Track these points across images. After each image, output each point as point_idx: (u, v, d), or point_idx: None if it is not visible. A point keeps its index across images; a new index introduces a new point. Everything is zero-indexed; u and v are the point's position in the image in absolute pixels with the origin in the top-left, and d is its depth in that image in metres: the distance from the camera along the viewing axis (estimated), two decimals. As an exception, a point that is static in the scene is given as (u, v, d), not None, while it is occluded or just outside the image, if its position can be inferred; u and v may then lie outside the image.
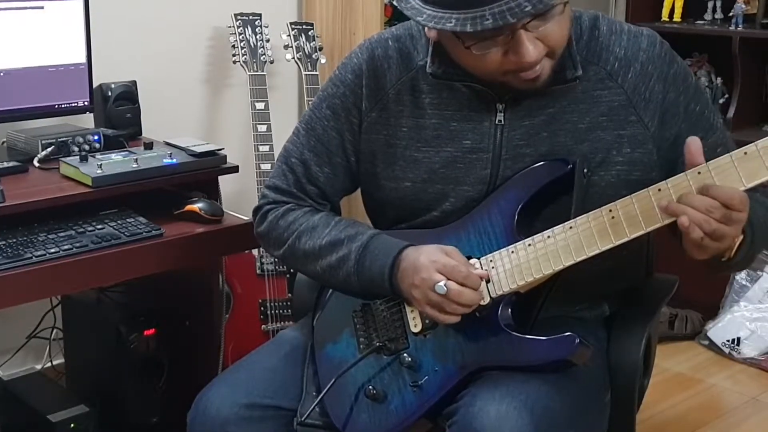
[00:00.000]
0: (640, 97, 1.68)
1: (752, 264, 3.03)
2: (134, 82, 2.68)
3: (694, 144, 1.52)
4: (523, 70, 1.59)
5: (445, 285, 1.59)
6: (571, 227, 1.59)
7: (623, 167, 1.68)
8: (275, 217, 1.84)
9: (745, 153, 1.47)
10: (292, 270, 2.86)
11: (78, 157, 2.28)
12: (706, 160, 1.57)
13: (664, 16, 3.81)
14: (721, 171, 1.49)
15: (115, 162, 2.27)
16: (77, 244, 2.09)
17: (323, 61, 3.09)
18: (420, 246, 1.68)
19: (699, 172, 1.50)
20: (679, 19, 3.79)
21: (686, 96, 1.70)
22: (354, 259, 1.72)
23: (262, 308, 2.94)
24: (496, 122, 1.71)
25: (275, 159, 1.94)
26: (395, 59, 1.77)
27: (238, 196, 2.89)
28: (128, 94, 2.65)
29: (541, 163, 1.69)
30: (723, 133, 1.74)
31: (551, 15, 1.55)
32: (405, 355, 1.70)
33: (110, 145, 2.45)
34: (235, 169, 2.44)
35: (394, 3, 1.63)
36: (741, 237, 1.57)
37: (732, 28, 3.58)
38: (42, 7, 2.43)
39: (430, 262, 1.63)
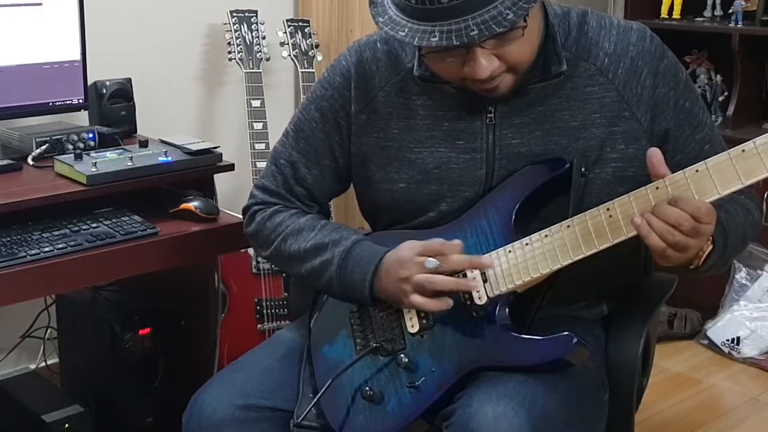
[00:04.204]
0: (632, 93, 1.68)
1: (752, 264, 3.02)
2: (129, 80, 2.67)
3: (656, 156, 1.52)
4: (480, 82, 1.59)
5: (433, 260, 1.60)
6: (568, 226, 1.59)
7: (618, 164, 1.67)
8: (263, 219, 1.85)
9: (743, 150, 1.47)
10: (284, 269, 2.86)
11: (72, 155, 2.27)
12: (693, 157, 1.62)
13: (663, 13, 3.80)
14: (719, 169, 1.49)
15: (109, 160, 2.26)
16: (72, 243, 2.08)
17: (320, 58, 3.09)
18: (398, 246, 1.69)
19: (697, 170, 1.50)
20: (679, 16, 3.79)
21: (676, 91, 1.70)
22: (336, 264, 1.72)
23: (258, 307, 2.93)
24: (488, 121, 1.70)
25: (271, 157, 1.93)
26: (384, 61, 1.77)
27: (234, 195, 2.88)
28: (123, 92, 2.63)
29: (538, 162, 1.68)
30: (711, 130, 1.74)
31: (508, 38, 1.55)
32: (402, 355, 1.69)
33: (105, 143, 2.44)
34: (230, 167, 2.43)
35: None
36: (710, 247, 1.58)
37: (732, 25, 3.57)
38: (40, 4, 2.42)
39: (410, 249, 1.65)
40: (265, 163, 2.80)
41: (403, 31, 1.55)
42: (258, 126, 2.93)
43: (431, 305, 1.63)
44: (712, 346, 3.40)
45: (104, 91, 2.60)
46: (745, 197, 1.73)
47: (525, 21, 1.54)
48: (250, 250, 2.88)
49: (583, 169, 1.65)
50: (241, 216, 1.96)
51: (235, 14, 3.00)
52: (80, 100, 2.54)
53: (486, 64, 1.56)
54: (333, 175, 1.85)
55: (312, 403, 1.72)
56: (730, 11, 3.61)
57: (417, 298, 1.63)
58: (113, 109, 2.61)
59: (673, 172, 1.53)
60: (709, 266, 1.60)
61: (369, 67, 1.78)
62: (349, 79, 1.79)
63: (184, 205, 2.28)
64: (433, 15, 1.51)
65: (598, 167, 1.67)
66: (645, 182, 1.56)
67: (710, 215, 1.49)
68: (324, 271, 1.74)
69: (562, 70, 1.65)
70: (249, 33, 3.00)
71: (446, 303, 1.62)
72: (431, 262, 1.60)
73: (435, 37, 1.51)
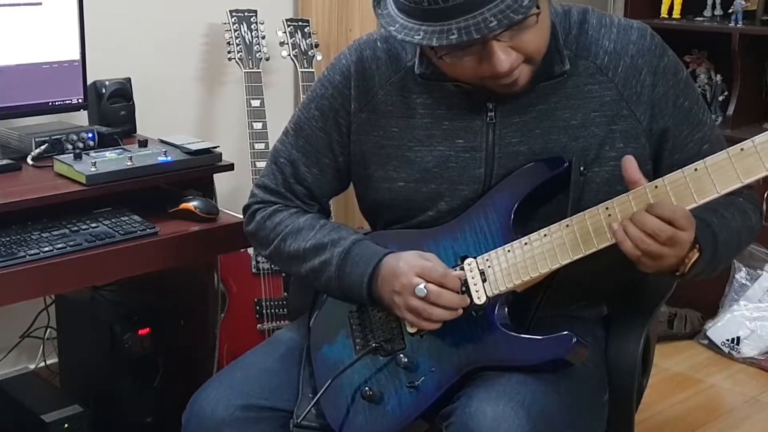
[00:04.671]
0: (632, 92, 1.67)
1: (752, 264, 3.00)
2: (128, 80, 2.66)
3: (628, 161, 1.53)
4: (499, 77, 1.58)
5: (425, 287, 1.59)
6: (567, 225, 1.58)
7: (617, 163, 1.66)
8: (262, 218, 1.85)
9: (742, 149, 1.47)
10: (284, 269, 2.86)
11: (72, 155, 2.26)
12: (692, 156, 1.62)
13: (663, 13, 3.80)
14: (718, 168, 1.48)
15: (109, 160, 2.25)
16: (71, 243, 2.08)
17: (319, 58, 3.08)
18: (399, 253, 1.68)
19: (695, 169, 1.50)
20: (678, 16, 3.78)
21: (675, 90, 1.69)
22: (335, 265, 1.72)
23: (257, 307, 2.93)
24: (488, 120, 1.70)
25: (270, 157, 1.93)
26: (384, 60, 1.76)
27: (234, 194, 2.88)
28: (122, 92, 2.63)
29: (537, 161, 1.68)
30: (711, 130, 1.73)
31: (523, 26, 1.54)
32: (401, 355, 1.69)
33: (104, 142, 2.44)
34: (230, 167, 2.43)
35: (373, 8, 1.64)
36: (697, 255, 1.56)
37: (732, 24, 3.57)
38: (40, 3, 2.41)
39: (409, 267, 1.63)
40: (264, 162, 2.82)
41: (419, 34, 1.53)
42: (258, 126, 2.92)
43: (421, 326, 1.64)
44: (712, 346, 3.39)
45: (104, 90, 2.60)
46: (744, 200, 1.73)
47: (538, 7, 1.53)
48: (250, 250, 2.88)
49: (582, 168, 1.65)
50: (240, 216, 1.96)
51: (234, 14, 3.00)
52: (80, 100, 2.54)
53: (504, 57, 1.55)
54: (333, 174, 1.84)
55: (312, 404, 1.72)
56: (730, 11, 3.61)
57: (410, 317, 1.64)
58: (113, 109, 2.60)
59: (671, 171, 1.53)
60: (696, 273, 1.59)
61: (369, 66, 1.77)
62: (349, 78, 1.78)
63: (183, 205, 2.28)
64: (449, 13, 1.50)
65: (597, 166, 1.67)
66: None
67: (686, 220, 1.49)
68: (323, 271, 1.74)
69: (564, 69, 1.65)
70: (248, 33, 2.99)
71: (435, 325, 1.63)
72: (421, 290, 1.60)
73: (453, 34, 1.50)
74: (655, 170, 1.69)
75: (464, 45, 1.53)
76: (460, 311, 1.63)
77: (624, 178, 1.54)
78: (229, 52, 2.98)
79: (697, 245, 1.55)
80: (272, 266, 2.92)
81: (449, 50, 1.56)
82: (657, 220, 1.48)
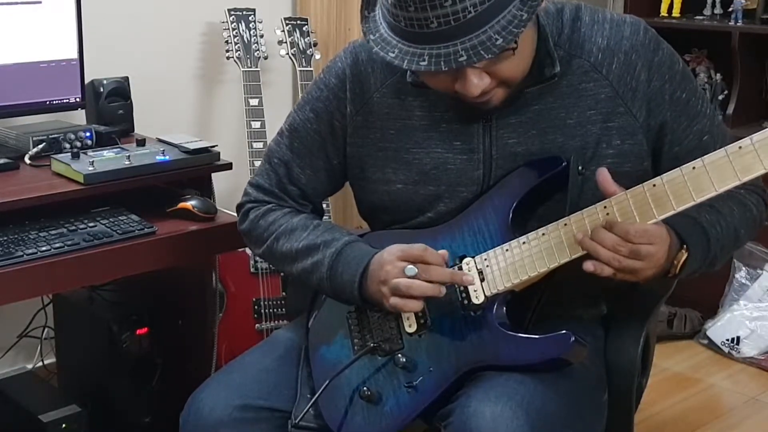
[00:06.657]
0: (627, 88, 1.67)
1: (752, 263, 2.99)
2: (126, 78, 2.66)
3: (602, 175, 1.54)
4: (471, 97, 1.58)
5: (413, 267, 1.59)
6: (565, 224, 1.58)
7: (614, 159, 1.66)
8: (256, 216, 1.85)
9: (740, 147, 1.47)
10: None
11: (69, 154, 2.26)
12: (692, 148, 1.64)
13: (663, 11, 3.79)
14: (716, 166, 1.48)
15: (107, 159, 2.25)
16: (69, 242, 2.07)
17: (318, 56, 3.08)
18: (383, 249, 1.68)
19: (693, 167, 1.50)
20: (678, 15, 3.78)
21: (672, 83, 1.69)
22: (327, 266, 1.72)
23: (255, 307, 2.92)
24: (484, 122, 1.69)
25: (267, 156, 1.93)
26: (379, 62, 1.76)
27: (232, 194, 2.86)
28: (120, 90, 2.63)
29: (535, 161, 1.67)
30: (711, 121, 1.73)
31: (499, 57, 1.54)
32: (399, 355, 1.69)
33: (102, 141, 2.43)
34: (228, 166, 2.42)
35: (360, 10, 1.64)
36: (685, 255, 1.57)
37: (731, 23, 3.56)
38: (39, 2, 2.41)
39: (391, 254, 1.64)
40: (263, 161, 2.83)
41: (393, 52, 1.55)
42: (256, 125, 2.92)
43: (407, 306, 1.62)
44: (711, 345, 3.39)
45: (101, 89, 2.59)
46: (746, 192, 1.72)
47: (515, 42, 1.53)
48: (248, 250, 2.87)
49: (580, 167, 1.64)
50: (238, 215, 1.96)
51: (233, 12, 3.00)
52: (77, 99, 2.53)
53: (477, 82, 1.56)
54: (326, 176, 1.84)
55: (310, 404, 1.72)
56: (730, 9, 3.60)
57: (395, 300, 1.62)
58: (110, 108, 2.60)
59: (671, 166, 1.53)
60: (690, 272, 1.60)
61: (364, 69, 1.77)
62: (345, 81, 1.78)
63: (181, 204, 2.27)
64: (423, 38, 1.51)
65: (594, 164, 1.66)
66: (641, 178, 1.56)
67: (644, 236, 1.50)
68: (315, 272, 1.74)
69: (555, 72, 1.65)
70: (247, 31, 2.99)
71: (419, 304, 1.62)
72: (411, 269, 1.60)
73: (424, 61, 1.51)
74: (654, 164, 1.69)
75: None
76: (443, 290, 1.61)
77: (601, 190, 1.54)
78: (227, 51, 2.98)
79: (684, 245, 1.56)
80: (270, 266, 2.91)
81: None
82: (612, 235, 1.51)
